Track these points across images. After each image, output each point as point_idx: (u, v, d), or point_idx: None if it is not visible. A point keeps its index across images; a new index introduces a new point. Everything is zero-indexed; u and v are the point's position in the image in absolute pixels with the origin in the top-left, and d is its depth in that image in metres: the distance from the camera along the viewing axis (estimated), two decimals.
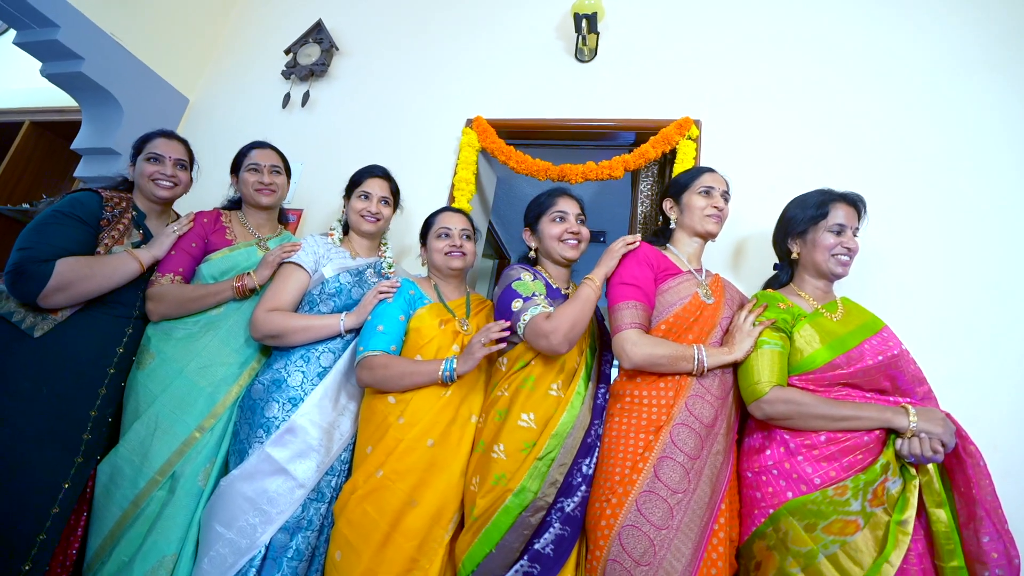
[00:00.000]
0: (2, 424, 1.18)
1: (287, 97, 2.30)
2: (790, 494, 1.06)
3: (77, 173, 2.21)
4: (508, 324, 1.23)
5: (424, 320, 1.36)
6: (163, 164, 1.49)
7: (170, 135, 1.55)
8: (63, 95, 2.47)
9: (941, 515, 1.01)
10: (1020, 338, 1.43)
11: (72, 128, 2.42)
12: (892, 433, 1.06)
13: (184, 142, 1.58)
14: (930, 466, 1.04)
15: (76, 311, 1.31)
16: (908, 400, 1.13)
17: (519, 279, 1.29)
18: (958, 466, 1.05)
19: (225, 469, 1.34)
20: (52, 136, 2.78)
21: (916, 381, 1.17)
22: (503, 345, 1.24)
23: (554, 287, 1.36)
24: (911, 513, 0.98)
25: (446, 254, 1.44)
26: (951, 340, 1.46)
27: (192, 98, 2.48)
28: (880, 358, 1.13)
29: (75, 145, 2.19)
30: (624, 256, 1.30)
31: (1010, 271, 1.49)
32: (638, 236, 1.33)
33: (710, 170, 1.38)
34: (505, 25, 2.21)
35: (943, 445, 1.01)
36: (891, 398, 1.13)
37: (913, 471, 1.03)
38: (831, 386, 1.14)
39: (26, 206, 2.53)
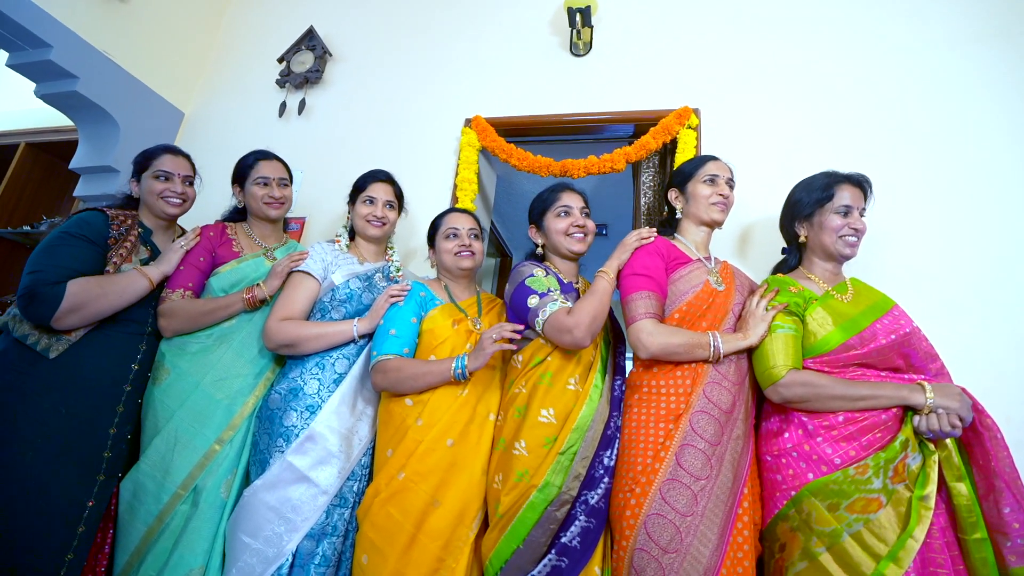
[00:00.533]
0: (24, 446, 1.19)
1: (283, 106, 2.30)
2: (811, 475, 1.07)
3: (77, 192, 2.20)
4: (521, 327, 1.24)
5: (437, 321, 1.36)
6: (173, 182, 1.49)
7: (175, 151, 1.55)
8: (57, 115, 2.47)
9: (962, 489, 1.02)
10: None
11: (68, 147, 2.42)
12: (909, 410, 1.07)
13: (188, 157, 1.58)
14: (948, 441, 1.05)
15: (89, 330, 1.31)
16: (922, 377, 1.14)
17: (532, 275, 1.29)
18: (975, 439, 1.06)
19: (246, 480, 1.35)
20: (49, 157, 2.77)
21: (929, 358, 1.18)
22: (513, 346, 1.24)
23: (565, 282, 1.37)
24: (932, 488, 0.99)
25: (456, 254, 1.44)
26: (960, 315, 1.47)
27: (187, 111, 2.47)
28: (893, 337, 1.14)
29: (73, 165, 2.19)
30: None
31: (1016, 243, 1.50)
32: (654, 231, 1.34)
33: (714, 158, 1.38)
34: (498, 23, 2.21)
35: (961, 419, 1.02)
36: (906, 376, 1.14)
37: (932, 447, 1.04)
38: (846, 367, 1.15)
39: (27, 228, 2.53)
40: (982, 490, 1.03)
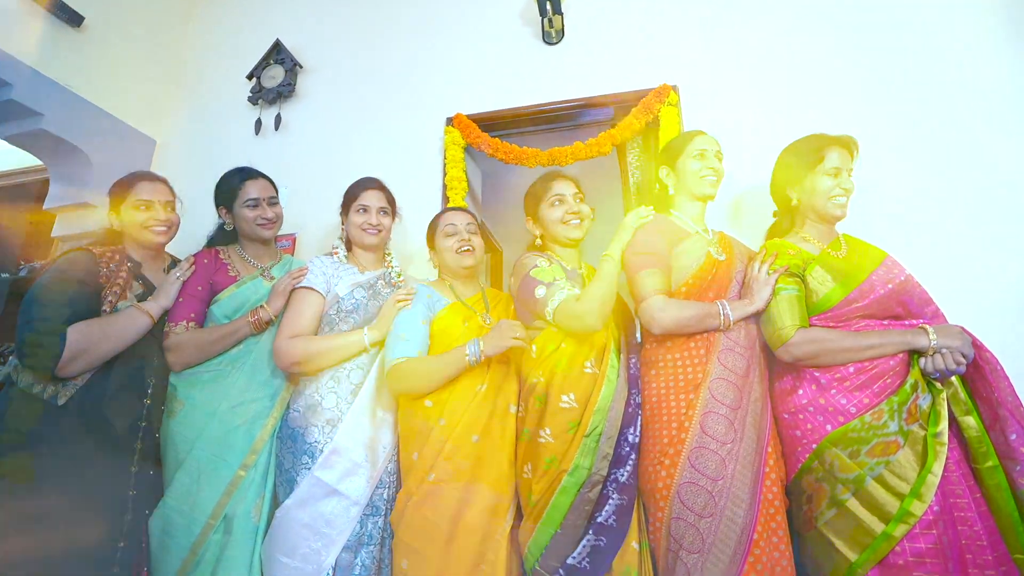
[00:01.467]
0: (48, 495, 1.17)
1: (258, 123, 2.26)
2: (829, 427, 1.11)
3: (55, 233, 2.14)
4: (531, 348, 1.26)
5: (447, 320, 1.37)
6: (154, 209, 1.45)
7: (152, 177, 1.50)
8: (23, 155, 2.38)
9: (970, 421, 1.07)
10: (1016, 249, 1.50)
11: (38, 188, 2.35)
12: (915, 353, 1.12)
13: (166, 181, 1.54)
14: (953, 378, 1.10)
15: (95, 372, 1.29)
16: (921, 321, 1.18)
17: (536, 266, 1.31)
18: (977, 374, 1.11)
19: (275, 502, 1.34)
20: (19, 199, 2.67)
21: (924, 303, 1.23)
22: (530, 347, 1.25)
23: (569, 268, 1.39)
24: (944, 425, 1.04)
25: (457, 252, 1.44)
26: (951, 260, 1.52)
27: (159, 139, 2.41)
28: (890, 286, 1.19)
29: (48, 205, 2.13)
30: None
31: (995, 183, 1.56)
32: (651, 209, 1.36)
33: (700, 133, 1.41)
34: (469, 19, 2.19)
35: (964, 356, 1.07)
36: (906, 322, 1.19)
37: (939, 385, 1.09)
38: (849, 320, 1.19)
39: (6, 275, 2.44)
40: (988, 421, 1.08)
